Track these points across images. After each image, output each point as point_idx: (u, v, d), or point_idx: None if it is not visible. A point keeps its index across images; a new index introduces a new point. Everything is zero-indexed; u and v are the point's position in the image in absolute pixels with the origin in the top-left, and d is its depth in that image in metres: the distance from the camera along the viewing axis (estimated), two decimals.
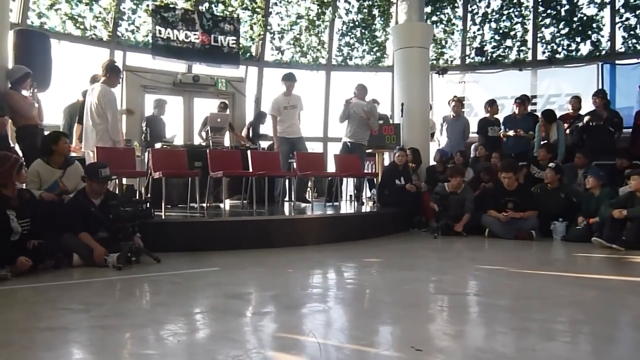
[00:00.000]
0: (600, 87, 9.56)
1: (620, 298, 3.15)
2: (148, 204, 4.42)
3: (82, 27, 8.78)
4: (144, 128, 7.99)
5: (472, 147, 8.26)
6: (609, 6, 10.17)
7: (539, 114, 9.45)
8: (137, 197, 6.25)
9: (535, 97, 10.32)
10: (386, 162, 8.33)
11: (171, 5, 9.46)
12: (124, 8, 9.17)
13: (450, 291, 3.36)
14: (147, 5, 9.32)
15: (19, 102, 5.61)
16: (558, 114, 7.98)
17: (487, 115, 8.30)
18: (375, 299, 3.28)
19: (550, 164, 6.53)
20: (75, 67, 8.55)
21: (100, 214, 4.27)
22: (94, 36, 8.93)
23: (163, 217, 5.38)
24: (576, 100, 7.99)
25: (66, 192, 4.60)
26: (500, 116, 8.40)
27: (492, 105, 8.29)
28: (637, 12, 9.95)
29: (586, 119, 7.53)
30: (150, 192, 6.08)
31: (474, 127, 8.70)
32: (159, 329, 2.50)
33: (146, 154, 6.68)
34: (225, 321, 2.62)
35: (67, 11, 8.63)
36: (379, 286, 3.63)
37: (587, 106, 8.22)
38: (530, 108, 9.77)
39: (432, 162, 8.31)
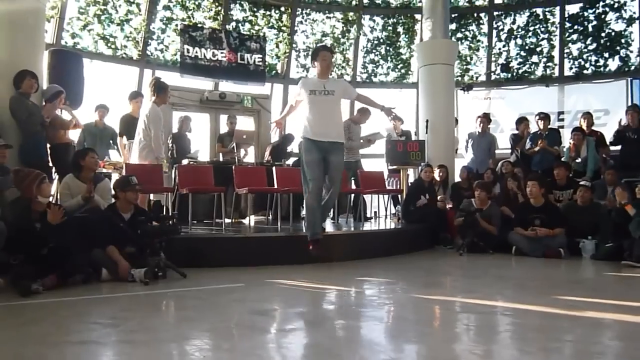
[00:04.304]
0: (630, 102, 9.40)
1: None
2: (175, 219, 4.50)
3: (113, 46, 9.06)
4: (170, 145, 8.12)
5: (499, 163, 8.16)
6: (637, 21, 10.03)
7: (567, 130, 9.34)
8: (164, 213, 6.35)
9: (562, 113, 10.20)
10: (411, 179, 8.29)
11: (199, 25, 9.69)
12: (153, 28, 9.43)
13: (477, 310, 3.31)
14: (176, 25, 9.57)
15: (56, 119, 5.83)
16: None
17: (518, 132, 8.23)
18: (400, 317, 3.25)
19: (585, 183, 6.39)
20: (106, 85, 8.81)
21: (129, 229, 4.36)
22: (124, 55, 9.19)
23: (189, 233, 5.45)
24: (590, 117, 7.84)
25: (97, 210, 4.73)
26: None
27: (521, 122, 8.22)
28: None
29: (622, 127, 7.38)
30: (177, 208, 6.18)
31: (500, 143, 8.62)
32: (185, 344, 2.53)
33: (173, 170, 6.80)
34: (250, 337, 2.64)
35: (99, 31, 8.92)
36: (404, 304, 3.60)
37: (615, 122, 8.08)
38: (557, 124, 9.65)
39: (457, 179, 8.24)
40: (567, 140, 8.09)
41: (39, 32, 6.18)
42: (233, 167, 6.65)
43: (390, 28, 11.11)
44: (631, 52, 10.15)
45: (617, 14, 10.21)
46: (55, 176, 5.91)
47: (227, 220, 6.46)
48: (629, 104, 9.33)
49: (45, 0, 6.53)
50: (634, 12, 10.09)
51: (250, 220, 7.10)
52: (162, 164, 6.02)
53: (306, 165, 4.89)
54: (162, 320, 3.17)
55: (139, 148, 5.86)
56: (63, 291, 3.75)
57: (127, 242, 4.33)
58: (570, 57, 10.56)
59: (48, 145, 5.80)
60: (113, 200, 4.71)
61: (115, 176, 6.34)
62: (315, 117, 4.91)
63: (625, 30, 10.19)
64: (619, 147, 7.47)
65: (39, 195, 4.12)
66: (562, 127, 9.87)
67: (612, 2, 10.24)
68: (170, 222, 4.42)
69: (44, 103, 5.88)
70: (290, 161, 8.91)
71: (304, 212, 5.05)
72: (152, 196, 6.78)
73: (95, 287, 4.02)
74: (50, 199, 4.59)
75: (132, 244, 4.34)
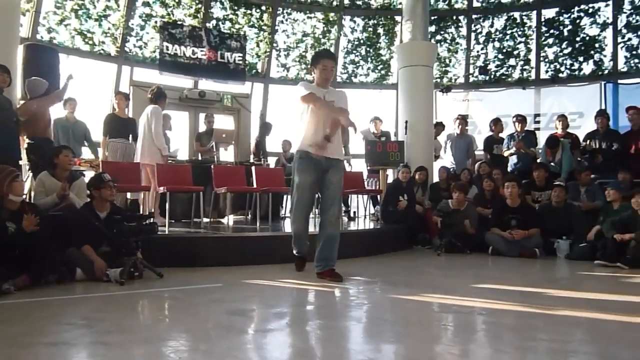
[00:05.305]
0: (603, 105, 9.62)
1: (624, 317, 3.12)
2: (152, 218, 4.45)
3: (90, 42, 8.91)
4: None
5: (476, 165, 8.27)
6: (611, 27, 10.25)
7: (543, 132, 9.51)
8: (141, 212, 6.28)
9: (538, 115, 10.37)
10: (390, 180, 8.34)
11: (179, 22, 9.59)
12: (132, 24, 9.30)
13: (454, 309, 3.34)
14: (155, 22, 9.45)
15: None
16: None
17: (492, 133, 8.34)
18: (378, 317, 3.26)
19: (559, 182, 6.52)
20: (83, 81, 8.66)
21: (105, 228, 4.29)
22: (102, 51, 9.05)
23: (166, 232, 5.39)
24: (565, 119, 7.98)
25: (72, 209, 4.65)
26: (505, 134, 8.41)
27: (496, 123, 8.33)
28: (639, 33, 10.02)
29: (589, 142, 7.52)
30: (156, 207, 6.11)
31: (478, 144, 8.74)
32: (161, 345, 2.49)
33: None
34: (227, 338, 2.62)
35: (76, 27, 8.76)
36: (382, 304, 3.62)
37: (590, 124, 8.25)
38: (533, 126, 9.81)
39: (435, 179, 8.32)
40: (543, 142, 8.23)
41: (14, 25, 6.06)
42: (212, 166, 6.61)
43: (370, 29, 11.16)
44: (605, 56, 10.37)
45: (592, 19, 10.44)
46: (29, 174, 5.81)
47: (206, 220, 6.42)
48: (603, 107, 9.55)
49: None
50: (608, 18, 10.31)
51: (229, 219, 7.05)
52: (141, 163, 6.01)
53: (298, 188, 4.33)
54: (137, 321, 3.12)
55: (146, 148, 6.09)
56: (36, 291, 3.68)
57: (102, 241, 4.27)
58: (547, 60, 10.75)
59: (27, 141, 5.68)
60: (89, 198, 4.63)
61: (90, 174, 6.24)
62: (314, 129, 4.29)
63: (599, 35, 10.41)
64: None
65: (10, 193, 4.01)
66: (538, 129, 10.04)
67: (586, 8, 10.45)
68: (147, 221, 4.36)
69: (28, 97, 5.77)
70: (272, 162, 8.90)
71: (293, 235, 4.60)
72: (129, 195, 6.73)
73: (70, 287, 3.95)
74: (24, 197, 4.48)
75: (107, 243, 4.28)
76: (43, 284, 3.87)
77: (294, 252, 4.70)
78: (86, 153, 7.17)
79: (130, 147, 6.89)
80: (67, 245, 4.18)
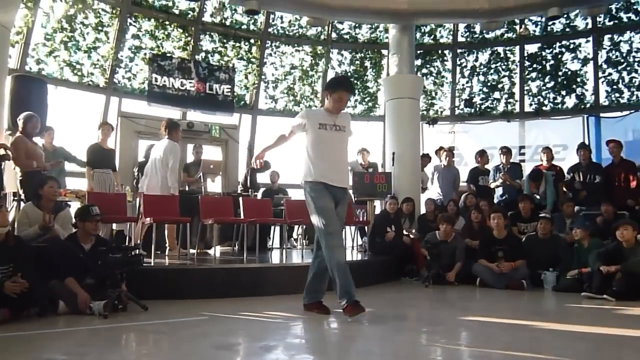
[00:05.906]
0: (586, 138, 9.82)
1: (613, 350, 3.12)
2: (138, 250, 4.40)
3: (79, 73, 8.92)
4: (136, 174, 8.01)
5: (462, 196, 8.34)
6: (591, 62, 10.54)
7: (528, 164, 9.65)
8: (127, 243, 6.21)
9: (523, 147, 10.54)
10: (377, 211, 8.36)
11: (168, 54, 9.68)
12: (121, 56, 9.36)
13: (443, 342, 3.32)
14: (145, 54, 9.53)
15: (34, 147, 5.80)
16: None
17: (478, 165, 8.44)
18: (365, 351, 3.23)
19: (545, 214, 6.57)
20: (71, 112, 8.67)
21: (89, 260, 4.23)
22: (90, 82, 9.06)
23: (152, 264, 5.33)
24: (549, 151, 8.11)
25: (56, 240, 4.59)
26: (490, 166, 8.52)
27: (482, 155, 8.44)
28: (619, 68, 10.33)
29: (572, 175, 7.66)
30: (140, 238, 6.05)
31: (463, 176, 8.82)
32: None
33: (137, 199, 6.68)
34: None
35: (65, 58, 8.79)
36: (370, 337, 3.58)
37: (574, 157, 8.40)
38: (518, 158, 9.96)
39: (422, 211, 8.35)
40: (527, 173, 8.34)
41: (2, 57, 6.08)
42: (199, 197, 6.59)
43: (357, 62, 11.34)
44: (586, 90, 10.62)
45: (573, 55, 10.71)
46: (14, 204, 5.74)
47: (192, 251, 6.36)
48: (586, 140, 9.76)
49: (11, 25, 6.44)
50: (588, 53, 10.61)
51: (216, 250, 6.99)
52: (126, 192, 5.95)
53: (323, 214, 4.00)
54: (121, 356, 3.05)
55: (165, 184, 6.13)
56: (16, 325, 3.60)
57: (86, 273, 4.21)
58: (530, 94, 10.99)
59: (20, 173, 5.63)
60: (74, 229, 4.58)
61: (76, 205, 6.18)
62: (324, 157, 4.10)
63: (580, 69, 10.69)
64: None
65: None
66: (524, 161, 10.19)
67: (567, 44, 10.76)
68: (133, 252, 4.32)
69: (19, 132, 5.74)
70: (260, 193, 8.88)
71: (334, 272, 4.06)
72: (114, 226, 6.67)
73: (52, 320, 3.87)
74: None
75: (92, 275, 4.21)
76: (24, 317, 3.79)
77: (349, 298, 3.96)
78: (70, 183, 7.10)
79: (112, 178, 6.86)
80: (50, 277, 4.10)
